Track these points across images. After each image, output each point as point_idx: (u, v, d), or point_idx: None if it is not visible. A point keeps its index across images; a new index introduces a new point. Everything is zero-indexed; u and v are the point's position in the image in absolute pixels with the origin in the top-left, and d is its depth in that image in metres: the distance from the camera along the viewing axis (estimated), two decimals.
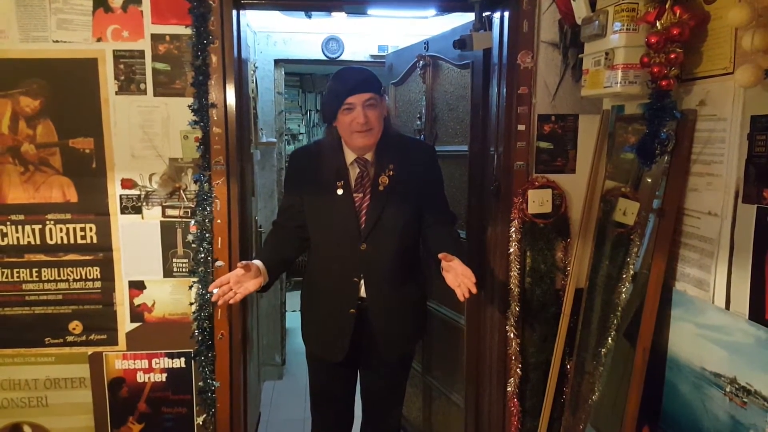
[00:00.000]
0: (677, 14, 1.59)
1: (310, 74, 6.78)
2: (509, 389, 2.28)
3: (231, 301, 1.78)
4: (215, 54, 2.10)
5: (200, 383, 2.24)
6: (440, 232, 1.98)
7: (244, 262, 1.80)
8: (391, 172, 1.96)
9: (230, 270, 2.20)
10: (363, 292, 1.99)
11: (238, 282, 1.79)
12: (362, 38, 3.78)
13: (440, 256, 1.74)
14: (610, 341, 1.98)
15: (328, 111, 1.93)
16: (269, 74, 3.82)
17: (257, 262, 1.88)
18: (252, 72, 3.53)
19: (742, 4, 1.39)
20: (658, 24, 1.61)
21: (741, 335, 1.50)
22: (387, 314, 2.02)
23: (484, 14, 2.26)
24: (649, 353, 1.81)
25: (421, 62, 2.80)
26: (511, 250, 2.21)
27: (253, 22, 3.58)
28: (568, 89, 2.18)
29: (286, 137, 6.55)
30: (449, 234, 2.00)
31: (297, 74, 6.75)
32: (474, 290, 1.66)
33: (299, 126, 6.93)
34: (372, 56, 3.78)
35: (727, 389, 1.54)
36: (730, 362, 1.54)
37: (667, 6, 1.61)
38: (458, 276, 1.70)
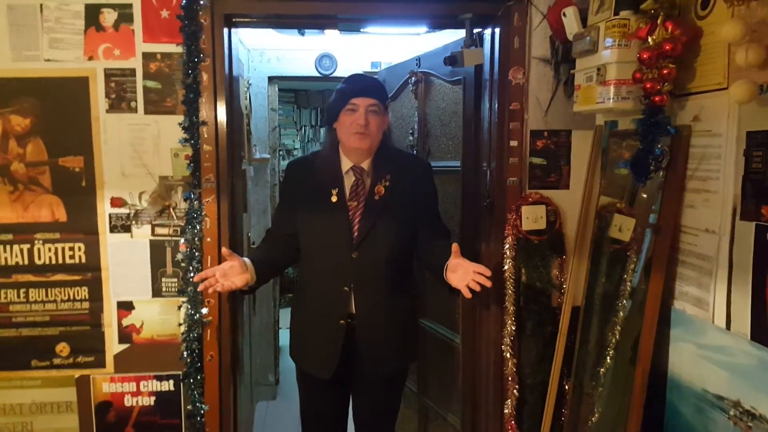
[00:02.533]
0: (669, 30, 1.57)
1: (305, 90, 6.80)
2: (506, 411, 2.23)
3: (219, 290, 1.80)
4: (206, 72, 2.08)
5: (189, 407, 2.19)
6: (438, 244, 1.97)
7: (229, 250, 1.83)
8: (387, 183, 1.98)
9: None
10: (353, 305, 1.98)
11: (225, 275, 1.80)
12: (355, 55, 3.78)
13: (453, 247, 1.77)
14: (608, 361, 1.94)
15: (331, 110, 1.97)
16: (263, 91, 3.82)
17: (245, 259, 1.88)
18: (245, 89, 3.52)
19: (735, 20, 1.38)
20: (650, 39, 1.60)
21: (743, 356, 1.47)
22: (377, 327, 2.00)
23: (475, 31, 2.25)
24: (648, 374, 1.77)
25: (413, 78, 2.79)
26: (506, 267, 2.18)
27: (247, 40, 3.58)
28: (561, 105, 2.16)
29: (281, 152, 6.55)
30: (447, 246, 1.99)
31: (292, 90, 6.77)
32: (488, 284, 1.68)
33: (294, 141, 6.93)
34: (365, 73, 3.77)
35: (731, 413, 1.50)
36: (733, 384, 1.50)
37: (658, 21, 1.60)
38: (469, 272, 1.71)
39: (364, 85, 1.93)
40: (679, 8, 1.69)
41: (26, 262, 2.15)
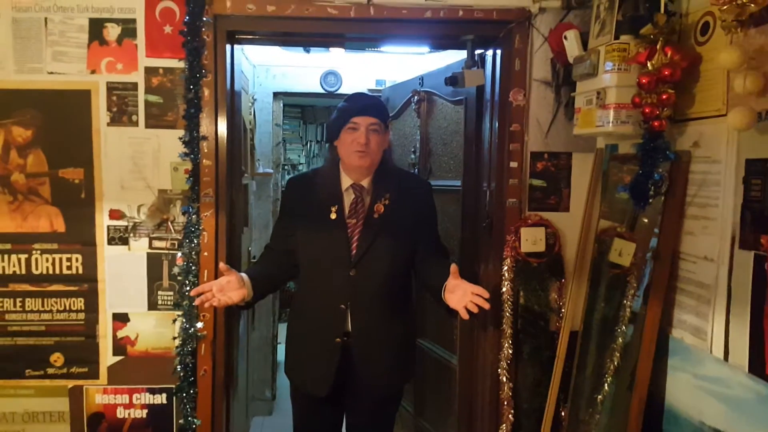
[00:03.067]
0: (668, 55, 1.57)
1: (311, 106, 6.84)
2: None
3: (215, 304, 1.79)
4: (208, 87, 2.10)
5: (181, 421, 2.17)
6: (436, 264, 1.95)
7: (227, 265, 1.82)
8: (386, 201, 1.97)
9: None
10: (349, 324, 1.96)
11: (221, 290, 1.79)
12: (360, 72, 3.81)
13: (452, 268, 1.76)
14: (606, 388, 1.91)
15: (333, 128, 1.97)
16: (268, 106, 3.84)
17: (242, 275, 1.88)
18: (250, 104, 3.55)
19: (733, 47, 1.38)
20: (649, 64, 1.59)
21: (741, 390, 1.43)
22: (373, 347, 1.98)
23: (477, 52, 2.26)
24: (645, 403, 1.74)
25: (416, 97, 2.80)
26: (504, 289, 2.16)
27: (253, 56, 3.61)
28: (561, 127, 2.16)
29: (287, 167, 6.57)
30: (445, 266, 1.97)
31: (299, 106, 6.81)
32: (486, 306, 1.67)
33: (299, 156, 6.96)
34: (369, 90, 3.79)
35: None
36: (730, 418, 1.47)
37: (658, 47, 1.59)
38: (467, 294, 1.70)
39: (366, 103, 1.93)
40: (679, 34, 1.68)
41: (24, 271, 2.15)
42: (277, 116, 3.96)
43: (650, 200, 1.73)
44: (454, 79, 2.19)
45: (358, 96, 2.00)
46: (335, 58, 3.77)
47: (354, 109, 1.90)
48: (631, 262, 1.85)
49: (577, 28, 1.99)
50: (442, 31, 2.22)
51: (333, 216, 1.95)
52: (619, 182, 1.99)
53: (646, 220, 1.84)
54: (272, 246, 2.11)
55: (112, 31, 2.07)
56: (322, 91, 3.81)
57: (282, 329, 4.14)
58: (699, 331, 1.60)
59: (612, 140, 2.05)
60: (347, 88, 3.78)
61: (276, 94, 3.87)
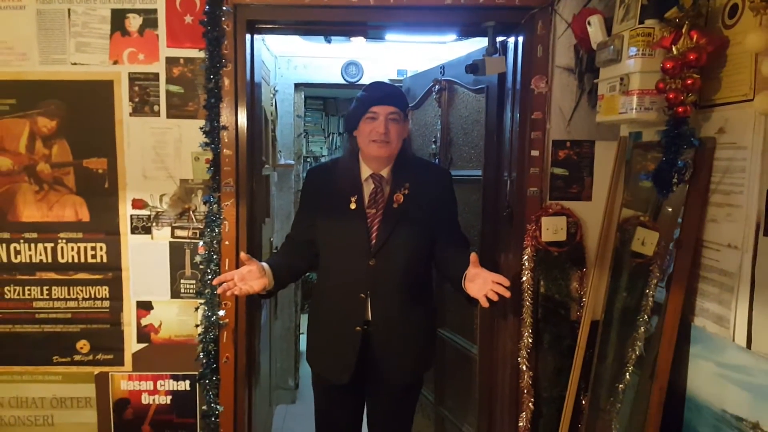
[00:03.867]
0: (694, 39, 1.53)
1: (333, 98, 6.84)
2: (521, 424, 2.19)
3: (237, 293, 1.80)
4: (228, 77, 2.11)
5: (204, 407, 2.21)
6: (456, 253, 1.95)
7: (248, 255, 1.84)
8: (406, 191, 1.97)
9: None
10: (369, 313, 1.97)
11: (243, 279, 1.82)
12: (381, 63, 3.79)
13: (472, 257, 1.76)
14: (627, 377, 1.89)
15: (352, 118, 1.97)
16: (289, 97, 3.85)
17: (264, 264, 1.89)
18: (272, 95, 3.56)
19: (762, 29, 1.34)
20: (674, 49, 1.56)
21: (764, 377, 1.41)
22: (393, 336, 1.99)
23: (498, 39, 2.23)
24: (666, 392, 1.72)
25: (437, 86, 2.78)
26: (524, 278, 2.14)
27: (274, 47, 3.62)
28: (584, 115, 2.12)
29: (309, 159, 6.59)
30: (465, 255, 1.96)
31: (321, 98, 6.82)
32: (507, 294, 1.67)
33: (322, 148, 6.98)
34: (391, 80, 3.77)
35: None
36: (753, 406, 1.44)
37: (683, 30, 1.55)
38: (488, 282, 1.70)
39: (385, 92, 1.93)
40: (706, 17, 1.64)
41: (50, 260, 2.20)
42: (299, 107, 3.97)
43: (674, 188, 1.69)
44: (474, 67, 2.16)
45: (376, 85, 2.00)
46: (356, 48, 3.76)
47: (373, 99, 1.90)
48: (654, 252, 1.82)
49: (601, 14, 1.95)
50: (463, 18, 2.19)
51: (353, 206, 1.95)
52: (643, 170, 1.96)
53: (670, 209, 1.81)
54: (293, 236, 2.12)
55: (134, 22, 2.10)
56: (343, 81, 3.80)
57: (304, 320, 4.18)
58: (721, 319, 1.57)
59: (635, 127, 2.02)
60: (368, 78, 3.76)
61: (297, 85, 3.88)
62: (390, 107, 1.89)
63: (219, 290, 1.80)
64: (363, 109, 1.90)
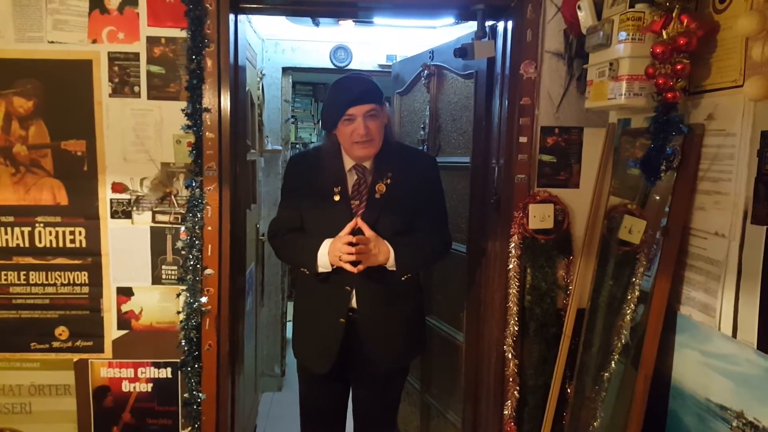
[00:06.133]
0: (684, 23, 1.51)
1: (323, 84, 6.77)
2: (506, 412, 2.18)
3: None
4: (210, 58, 2.06)
5: (186, 395, 2.18)
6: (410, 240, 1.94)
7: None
8: (388, 180, 1.94)
9: (219, 278, 2.16)
10: (354, 302, 1.95)
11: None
12: (370, 47, 3.74)
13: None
14: (612, 365, 1.88)
15: (328, 120, 1.92)
16: (276, 81, 3.79)
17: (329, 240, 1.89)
18: (258, 79, 3.51)
19: (752, 12, 1.31)
20: (664, 33, 1.53)
21: (748, 366, 1.40)
22: (378, 326, 1.97)
23: (487, 23, 2.20)
24: (651, 380, 1.71)
25: (426, 72, 2.74)
26: (510, 266, 2.12)
27: (261, 30, 3.56)
28: (573, 101, 2.10)
29: (298, 146, 6.53)
30: (417, 239, 1.96)
31: (310, 83, 6.74)
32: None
33: (311, 135, 6.91)
34: (380, 65, 3.73)
35: (734, 424, 1.44)
36: (737, 395, 1.44)
37: (674, 15, 1.53)
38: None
39: (359, 91, 1.85)
40: (697, 1, 1.62)
41: (27, 244, 2.15)
42: (286, 92, 3.91)
43: (661, 175, 1.67)
44: (463, 51, 2.13)
45: (348, 83, 1.91)
46: (345, 32, 3.70)
47: (347, 100, 1.83)
48: (641, 240, 1.81)
49: None
50: (453, 1, 2.16)
51: (336, 198, 1.93)
52: (631, 158, 1.93)
53: (657, 197, 1.79)
54: (282, 225, 2.06)
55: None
56: (332, 66, 3.75)
57: (291, 307, 4.16)
58: (707, 307, 1.56)
59: (624, 114, 1.99)
60: (357, 63, 3.72)
61: (285, 70, 3.81)
62: (366, 106, 1.84)
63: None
64: (339, 111, 1.85)
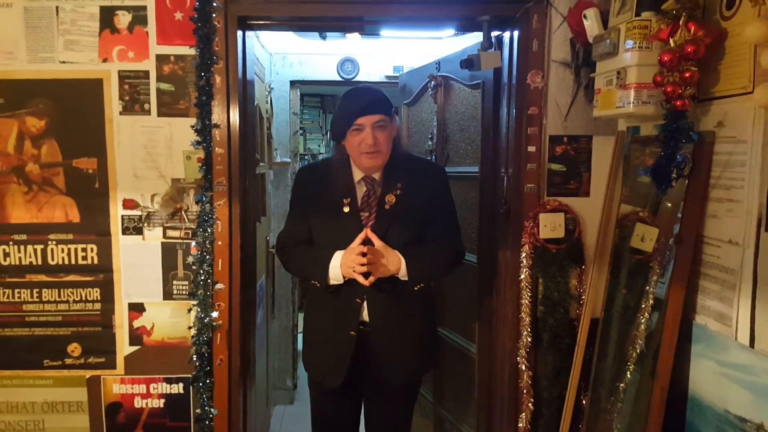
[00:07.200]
0: (692, 31, 1.50)
1: (331, 95, 6.80)
2: (520, 425, 2.16)
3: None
4: (219, 74, 2.07)
5: (198, 410, 2.18)
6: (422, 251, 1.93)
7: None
8: (398, 192, 1.94)
9: (230, 293, 2.17)
10: (366, 315, 1.94)
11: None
12: (377, 59, 3.75)
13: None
14: (628, 375, 1.86)
15: (337, 130, 1.93)
16: (285, 95, 3.81)
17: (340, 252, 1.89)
18: (267, 93, 3.53)
19: (761, 19, 1.30)
20: (671, 41, 1.53)
21: (767, 376, 1.38)
22: (390, 338, 1.95)
23: (493, 34, 2.20)
24: (667, 391, 1.69)
25: (433, 82, 2.75)
26: (522, 276, 2.11)
27: (269, 44, 3.58)
28: (581, 110, 2.09)
29: (307, 157, 6.55)
30: (428, 248, 1.94)
31: (318, 95, 6.77)
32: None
33: (320, 146, 6.94)
34: (387, 77, 3.74)
35: None
36: (757, 406, 1.41)
37: (681, 22, 1.52)
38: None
39: (367, 101, 1.86)
40: (704, 8, 1.61)
41: (40, 262, 2.16)
42: (295, 105, 3.93)
43: (673, 183, 1.66)
44: (469, 62, 2.13)
45: (357, 94, 1.91)
46: (352, 45, 3.72)
47: (356, 111, 1.84)
48: (653, 248, 1.79)
49: (597, 6, 1.92)
50: (458, 12, 2.16)
51: (346, 210, 1.92)
52: (641, 165, 1.92)
53: (669, 204, 1.78)
54: (291, 237, 2.05)
55: (123, 19, 2.06)
56: (340, 78, 3.77)
57: (302, 319, 4.16)
58: (723, 317, 1.53)
59: (633, 122, 1.98)
60: (364, 75, 3.73)
61: (293, 83, 3.84)
62: (375, 116, 1.84)
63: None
64: (348, 122, 1.85)
